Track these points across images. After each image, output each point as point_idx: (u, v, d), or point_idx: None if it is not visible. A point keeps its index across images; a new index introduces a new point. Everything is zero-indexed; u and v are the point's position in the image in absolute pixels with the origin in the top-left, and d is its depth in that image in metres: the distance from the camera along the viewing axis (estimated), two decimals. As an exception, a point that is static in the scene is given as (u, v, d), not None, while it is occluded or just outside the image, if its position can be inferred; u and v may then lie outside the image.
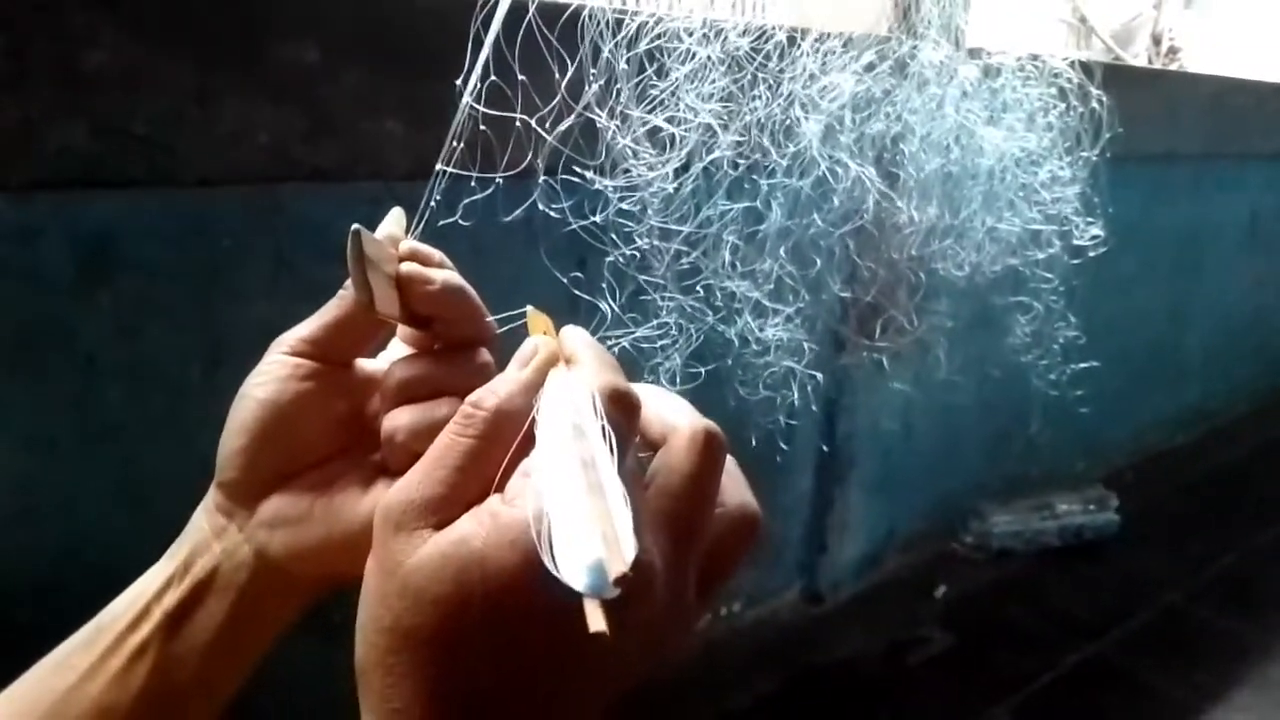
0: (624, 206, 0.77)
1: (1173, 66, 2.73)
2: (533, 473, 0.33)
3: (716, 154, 0.75)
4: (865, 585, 2.00)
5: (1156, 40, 2.82)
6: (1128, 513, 2.22)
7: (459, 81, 0.44)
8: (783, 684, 1.69)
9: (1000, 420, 2.12)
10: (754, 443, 1.37)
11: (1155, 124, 2.11)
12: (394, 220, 0.46)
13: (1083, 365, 1.12)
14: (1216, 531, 2.28)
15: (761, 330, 0.91)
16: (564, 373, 0.38)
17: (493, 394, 0.36)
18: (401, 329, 0.47)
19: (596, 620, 0.28)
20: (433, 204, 0.47)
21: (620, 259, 0.79)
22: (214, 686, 0.44)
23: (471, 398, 0.36)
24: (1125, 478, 2.48)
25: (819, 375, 0.97)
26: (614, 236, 0.78)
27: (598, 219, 0.77)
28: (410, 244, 0.45)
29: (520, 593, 0.31)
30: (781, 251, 0.90)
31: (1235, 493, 2.53)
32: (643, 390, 0.38)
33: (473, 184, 0.47)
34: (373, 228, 0.43)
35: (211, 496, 0.45)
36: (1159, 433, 2.71)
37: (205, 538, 0.44)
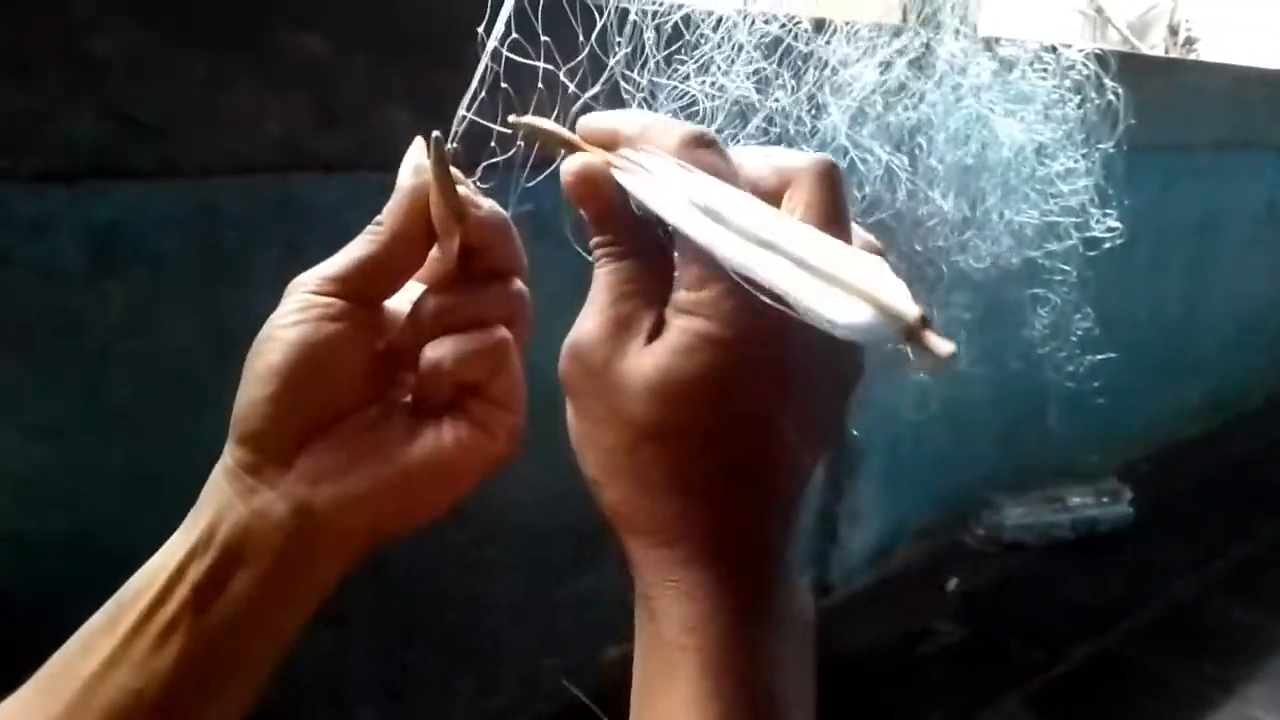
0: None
1: (1190, 57, 2.71)
2: (710, 253, 0.33)
3: (744, 138, 0.74)
4: (876, 576, 1.99)
5: (1174, 31, 2.80)
6: (1141, 505, 2.21)
7: (481, 29, 0.42)
8: (793, 675, 1.68)
9: (1014, 412, 2.11)
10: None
11: (1171, 114, 2.09)
12: (421, 150, 0.42)
13: (1099, 357, 1.11)
14: (1230, 524, 2.27)
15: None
16: (631, 157, 0.36)
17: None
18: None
19: (942, 345, 0.27)
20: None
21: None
22: (251, 663, 0.41)
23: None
24: (1139, 470, 2.46)
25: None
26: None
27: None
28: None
29: (772, 346, 0.33)
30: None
31: (1249, 485, 2.51)
32: (738, 150, 0.37)
33: (492, 144, 0.45)
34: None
35: (232, 455, 0.41)
36: (1173, 424, 2.69)
37: (229, 500, 0.40)
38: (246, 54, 0.97)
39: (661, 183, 0.34)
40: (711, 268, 0.33)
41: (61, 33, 0.88)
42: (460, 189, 0.41)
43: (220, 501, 0.41)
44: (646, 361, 0.34)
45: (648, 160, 0.35)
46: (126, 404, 1.00)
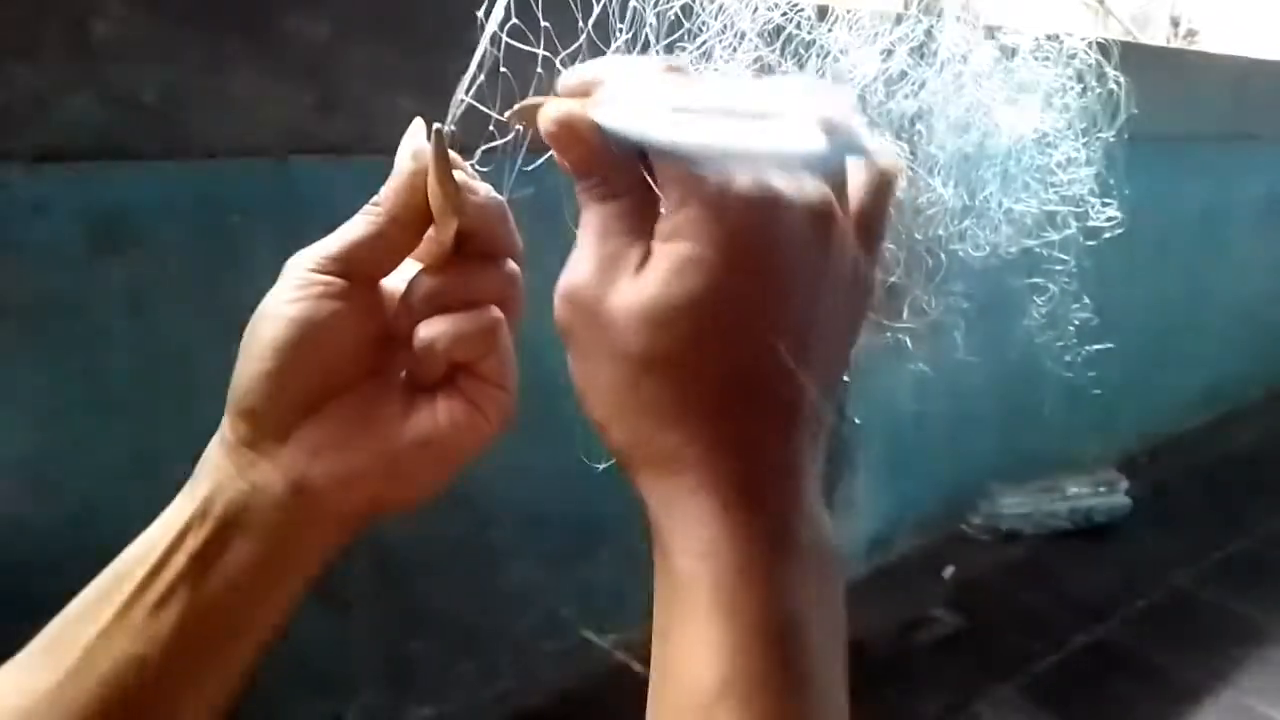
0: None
1: (1192, 48, 2.71)
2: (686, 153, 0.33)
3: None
4: (874, 565, 2.00)
5: (1175, 23, 2.79)
6: (1138, 495, 2.21)
7: (480, 13, 0.43)
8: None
9: (1012, 402, 2.11)
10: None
11: (1173, 105, 2.09)
12: (420, 132, 0.43)
13: (1097, 347, 1.11)
14: (1227, 515, 2.27)
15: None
16: (608, 90, 0.37)
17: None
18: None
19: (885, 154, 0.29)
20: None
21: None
22: (248, 630, 0.42)
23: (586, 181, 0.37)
24: (1137, 460, 2.47)
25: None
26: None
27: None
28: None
29: (768, 243, 0.33)
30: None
31: (1247, 476, 2.52)
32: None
33: (490, 128, 0.46)
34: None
35: (229, 429, 0.42)
36: (1172, 415, 2.69)
37: (227, 473, 0.41)
38: (249, 38, 0.97)
39: (636, 100, 0.34)
40: (692, 188, 0.33)
41: (66, 16, 0.88)
42: (457, 174, 0.41)
43: (218, 474, 0.41)
44: (636, 292, 0.34)
45: (623, 88, 0.35)
46: (127, 386, 1.00)
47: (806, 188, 0.34)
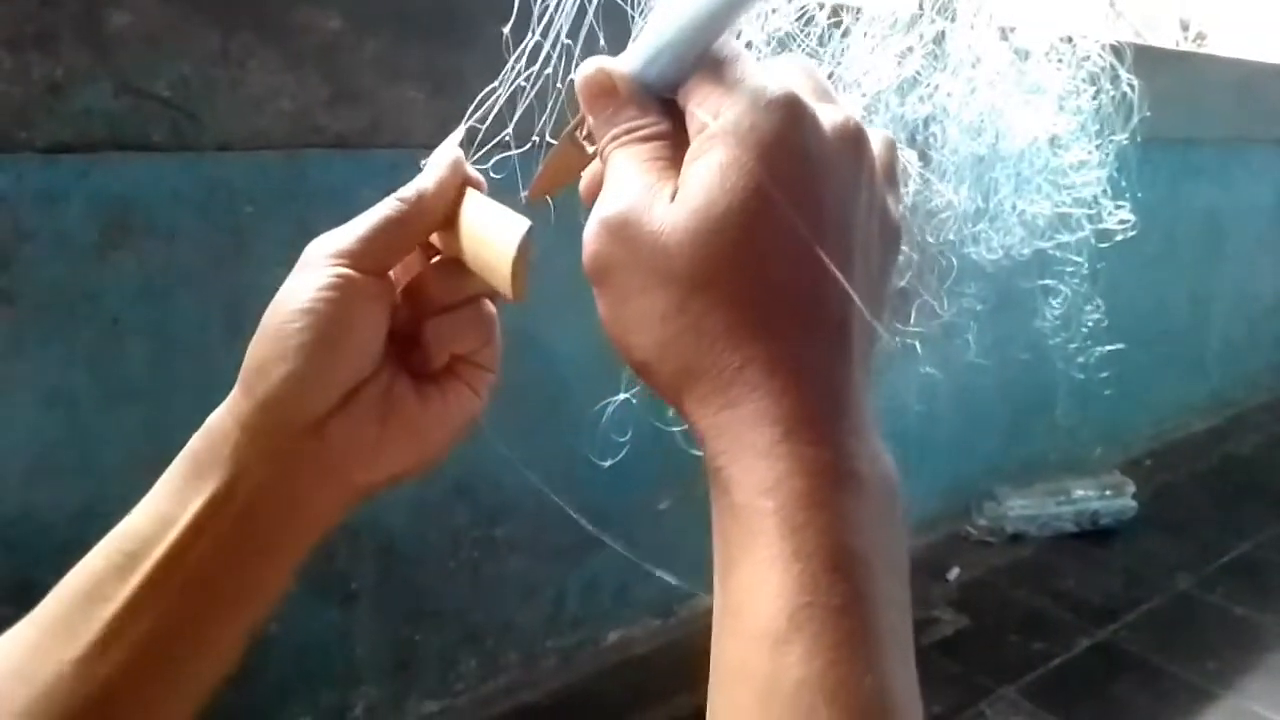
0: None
1: (1201, 52, 2.70)
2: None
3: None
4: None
5: (1184, 26, 2.78)
6: (1144, 499, 2.21)
7: (507, 30, 0.43)
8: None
9: (1021, 404, 2.11)
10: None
11: (1183, 107, 2.08)
12: (455, 142, 0.46)
13: (1107, 348, 1.11)
14: (1232, 519, 2.27)
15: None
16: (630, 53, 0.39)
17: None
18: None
19: None
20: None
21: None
22: (259, 602, 0.44)
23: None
24: (1143, 464, 2.46)
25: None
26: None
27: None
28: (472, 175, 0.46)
29: (794, 142, 0.33)
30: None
31: (1252, 481, 2.51)
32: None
33: (507, 138, 0.47)
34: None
35: (252, 417, 0.42)
36: (1178, 419, 2.69)
37: (250, 460, 0.42)
38: (261, 31, 0.98)
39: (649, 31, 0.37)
40: (724, 99, 0.34)
41: (81, 6, 0.88)
42: (481, 197, 0.44)
43: (240, 459, 0.42)
44: (680, 206, 0.33)
45: (637, 43, 0.38)
46: (138, 375, 1.00)
47: (831, 109, 0.35)
